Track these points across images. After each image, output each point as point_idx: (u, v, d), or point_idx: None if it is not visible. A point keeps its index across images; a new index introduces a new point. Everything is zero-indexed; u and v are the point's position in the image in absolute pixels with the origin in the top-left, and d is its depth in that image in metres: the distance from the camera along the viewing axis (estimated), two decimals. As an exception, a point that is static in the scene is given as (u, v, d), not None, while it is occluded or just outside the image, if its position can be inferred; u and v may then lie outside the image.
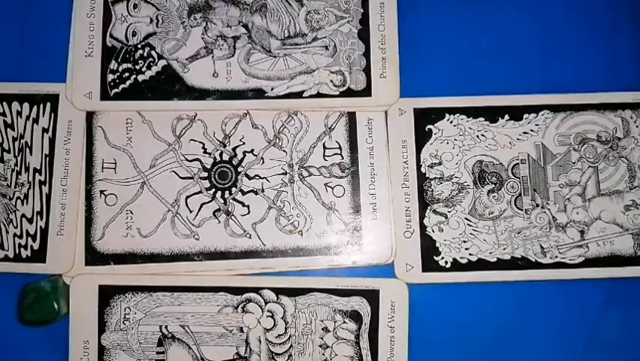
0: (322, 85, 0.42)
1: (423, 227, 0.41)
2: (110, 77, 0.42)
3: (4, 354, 0.42)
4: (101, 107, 0.42)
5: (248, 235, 0.41)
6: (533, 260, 0.41)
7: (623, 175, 0.42)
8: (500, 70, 0.43)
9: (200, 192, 0.42)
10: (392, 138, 0.42)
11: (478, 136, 0.42)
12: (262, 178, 0.42)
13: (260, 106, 0.42)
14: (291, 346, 0.41)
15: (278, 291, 0.41)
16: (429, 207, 0.42)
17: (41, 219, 0.41)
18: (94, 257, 0.41)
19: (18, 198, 0.42)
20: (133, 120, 0.42)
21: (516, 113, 0.42)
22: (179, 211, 0.42)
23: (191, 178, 0.42)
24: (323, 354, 0.41)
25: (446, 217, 0.41)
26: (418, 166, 0.42)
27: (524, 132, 0.42)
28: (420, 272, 0.41)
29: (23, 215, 0.42)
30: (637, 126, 0.42)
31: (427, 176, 0.42)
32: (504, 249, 0.41)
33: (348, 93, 0.42)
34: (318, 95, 0.42)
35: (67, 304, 0.41)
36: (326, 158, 0.42)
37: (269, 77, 0.42)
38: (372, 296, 0.41)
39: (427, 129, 0.42)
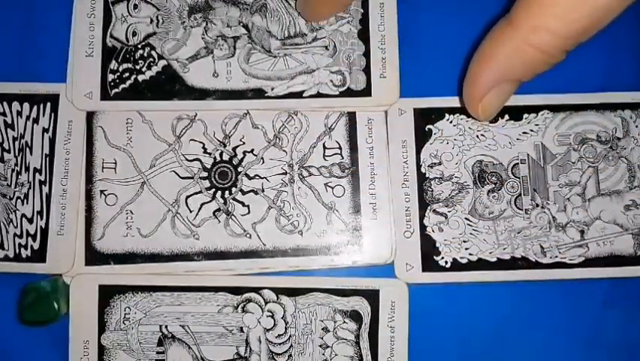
0: (322, 85, 0.42)
1: (423, 227, 0.41)
2: (110, 77, 0.42)
3: (4, 354, 0.42)
4: (101, 107, 0.42)
5: (248, 235, 0.41)
6: (533, 260, 0.41)
7: (623, 175, 0.42)
8: (500, 70, 0.43)
9: (201, 192, 0.42)
10: (392, 138, 0.42)
11: (477, 136, 0.42)
12: (262, 178, 0.42)
13: (260, 106, 0.42)
14: (291, 346, 0.41)
15: (278, 291, 0.41)
16: (429, 207, 0.42)
17: (41, 219, 0.41)
18: (94, 257, 0.41)
19: (18, 198, 0.42)
20: (133, 120, 0.42)
21: (516, 113, 0.42)
22: (179, 211, 0.42)
23: (191, 178, 0.42)
24: (323, 354, 0.41)
25: (446, 217, 0.41)
26: (418, 166, 0.42)
27: (524, 132, 0.42)
28: (420, 272, 0.41)
29: (23, 215, 0.42)
30: (637, 126, 0.42)
31: (426, 176, 0.42)
32: (504, 249, 0.41)
33: (348, 93, 0.42)
34: (318, 95, 0.42)
35: (67, 304, 0.41)
36: (326, 158, 0.42)
37: (269, 77, 0.42)
38: (372, 296, 0.41)
39: (426, 129, 0.42)
